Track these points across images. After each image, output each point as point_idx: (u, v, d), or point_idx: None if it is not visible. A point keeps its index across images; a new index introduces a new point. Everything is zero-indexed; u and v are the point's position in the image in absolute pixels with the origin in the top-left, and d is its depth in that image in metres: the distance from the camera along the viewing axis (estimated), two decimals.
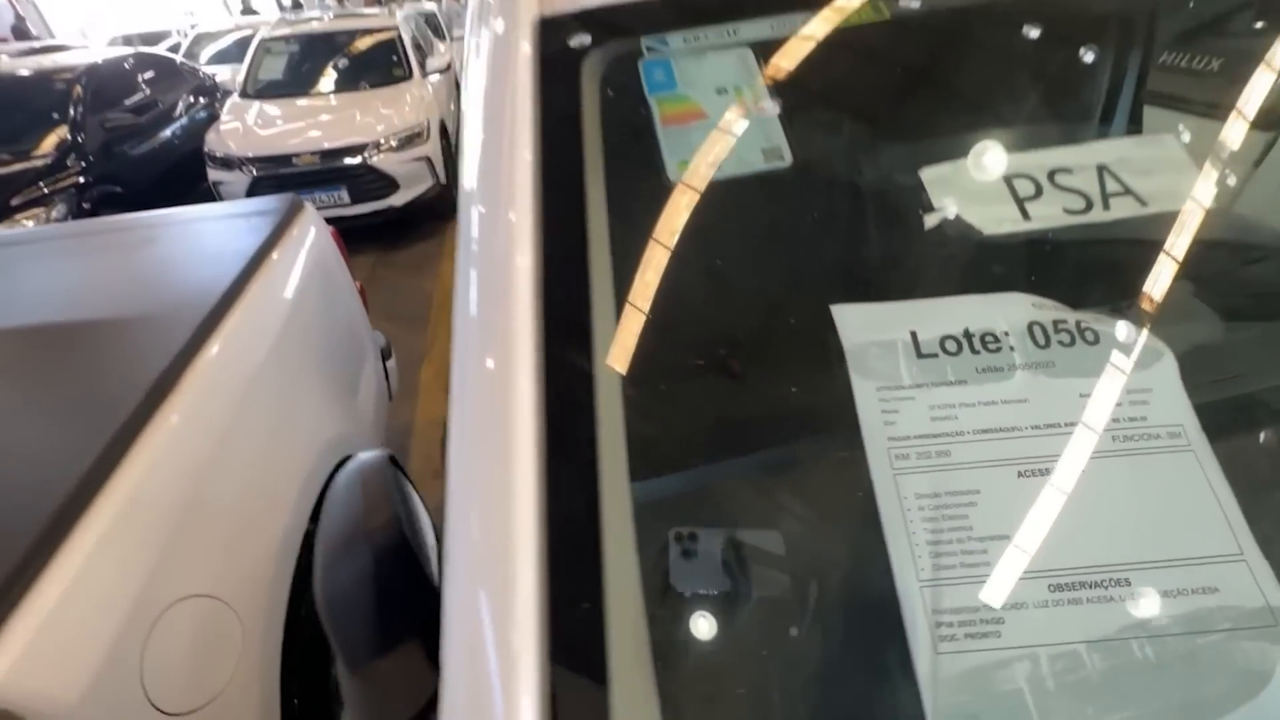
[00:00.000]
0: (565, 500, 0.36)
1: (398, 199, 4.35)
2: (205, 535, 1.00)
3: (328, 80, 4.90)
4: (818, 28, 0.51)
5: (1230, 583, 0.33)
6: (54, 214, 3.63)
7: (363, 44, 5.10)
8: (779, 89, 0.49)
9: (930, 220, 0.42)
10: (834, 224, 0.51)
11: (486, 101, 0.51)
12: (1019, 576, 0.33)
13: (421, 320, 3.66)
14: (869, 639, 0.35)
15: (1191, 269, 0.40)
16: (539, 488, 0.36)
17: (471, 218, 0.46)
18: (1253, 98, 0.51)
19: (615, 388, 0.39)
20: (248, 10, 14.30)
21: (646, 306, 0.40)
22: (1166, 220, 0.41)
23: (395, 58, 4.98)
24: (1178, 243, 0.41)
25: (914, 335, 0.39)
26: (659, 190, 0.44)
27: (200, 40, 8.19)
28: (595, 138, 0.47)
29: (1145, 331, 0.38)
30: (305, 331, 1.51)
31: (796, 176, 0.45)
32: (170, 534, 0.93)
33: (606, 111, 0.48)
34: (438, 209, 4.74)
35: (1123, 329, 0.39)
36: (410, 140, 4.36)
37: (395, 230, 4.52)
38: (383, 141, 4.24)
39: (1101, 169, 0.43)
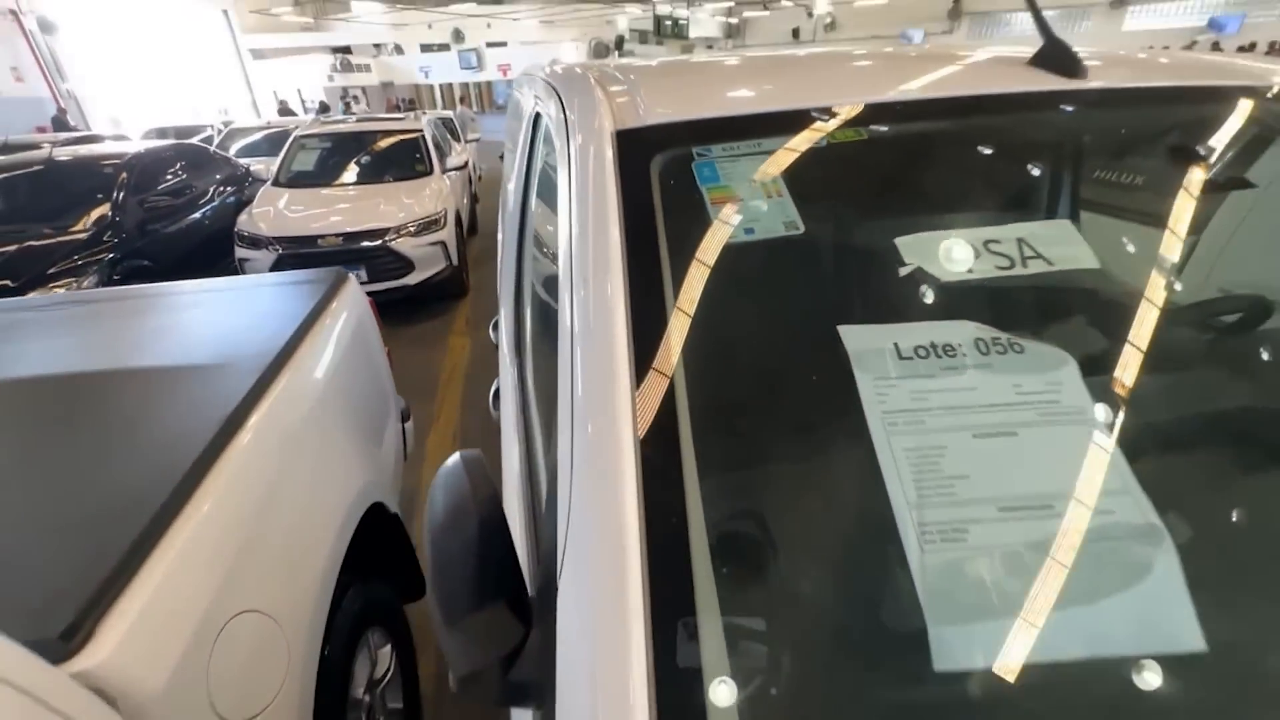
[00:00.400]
0: (664, 547, 0.47)
1: (412, 279, 4.63)
2: (262, 557, 1.09)
3: (355, 173, 5.34)
4: (818, 141, 0.72)
5: (1122, 507, 0.47)
6: (85, 284, 3.83)
7: (390, 142, 5.61)
8: (791, 181, 0.68)
9: (904, 271, 0.60)
10: (837, 272, 0.69)
11: (577, 194, 0.69)
12: (976, 501, 0.47)
13: (429, 392, 3.80)
14: (878, 544, 0.48)
15: (1084, 305, 0.57)
16: (643, 543, 0.46)
17: (570, 298, 0.62)
18: (1132, 194, 0.71)
19: (690, 431, 0.53)
20: (285, 111, 15.50)
21: (713, 345, 0.56)
22: (1067, 274, 0.59)
23: (419, 155, 5.47)
24: (1074, 288, 0.58)
25: (896, 345, 0.55)
26: (715, 252, 0.62)
27: (232, 135, 8.86)
28: (663, 217, 0.65)
29: (1055, 346, 0.55)
30: (345, 386, 1.65)
31: (808, 240, 0.64)
32: (236, 551, 1.03)
33: (669, 198, 0.67)
34: (448, 289, 5.03)
35: (1040, 344, 0.55)
36: (428, 226, 4.71)
37: (408, 307, 4.77)
38: (402, 227, 4.57)
39: (1020, 240, 0.61)
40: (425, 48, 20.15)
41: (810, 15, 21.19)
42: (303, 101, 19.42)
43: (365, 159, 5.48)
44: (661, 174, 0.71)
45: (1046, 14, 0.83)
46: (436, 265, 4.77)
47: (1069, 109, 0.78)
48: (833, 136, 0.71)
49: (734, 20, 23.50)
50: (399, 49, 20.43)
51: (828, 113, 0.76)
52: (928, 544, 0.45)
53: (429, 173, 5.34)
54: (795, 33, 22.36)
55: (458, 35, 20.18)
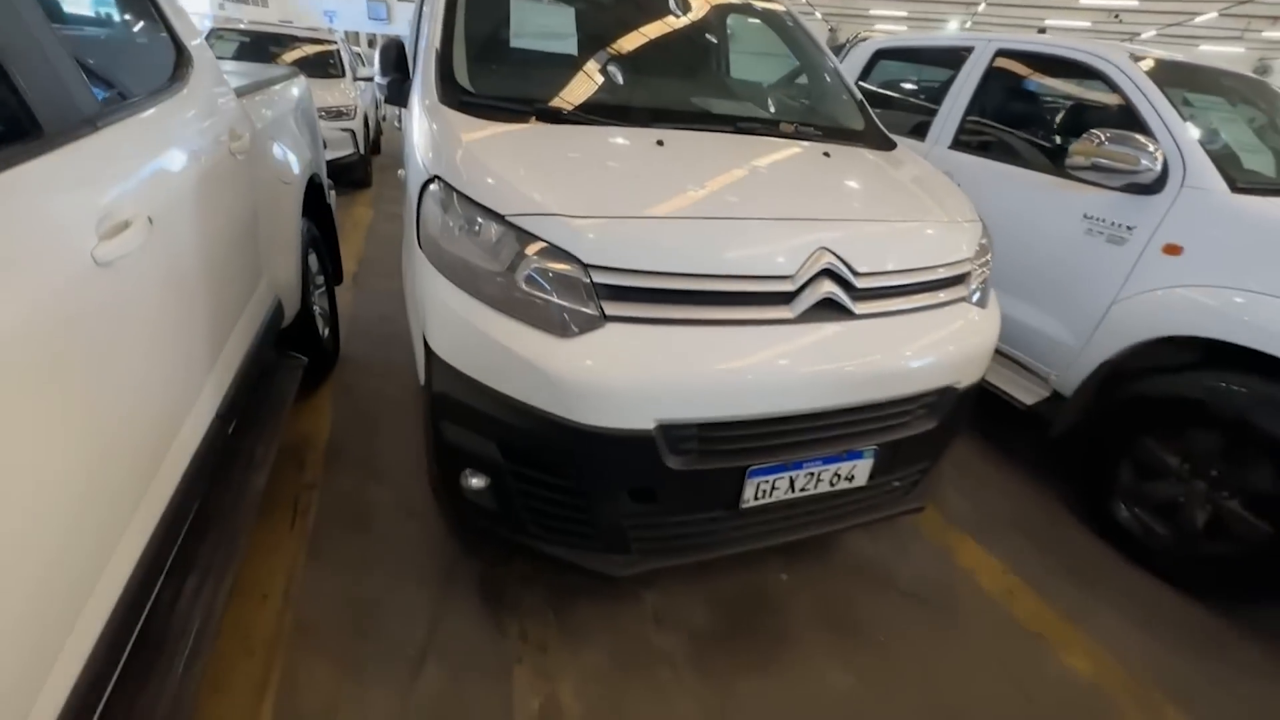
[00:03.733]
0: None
1: (325, 155, 5.53)
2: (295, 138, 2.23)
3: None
4: None
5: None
6: None
7: (305, 49, 6.38)
8: None
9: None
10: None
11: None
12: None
13: (344, 232, 4.77)
14: None
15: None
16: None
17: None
18: None
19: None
20: None
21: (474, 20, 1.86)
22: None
23: (333, 61, 6.32)
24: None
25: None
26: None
27: None
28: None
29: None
30: (296, 115, 2.77)
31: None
32: (272, 123, 2.17)
33: None
34: (356, 175, 5.97)
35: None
36: (339, 115, 5.63)
37: None
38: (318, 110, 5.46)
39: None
40: None
41: None
42: None
43: (282, 57, 6.23)
44: None
45: None
46: (346, 149, 5.69)
47: None
48: None
49: None
50: None
51: None
52: None
53: (341, 76, 6.22)
54: None
55: None
